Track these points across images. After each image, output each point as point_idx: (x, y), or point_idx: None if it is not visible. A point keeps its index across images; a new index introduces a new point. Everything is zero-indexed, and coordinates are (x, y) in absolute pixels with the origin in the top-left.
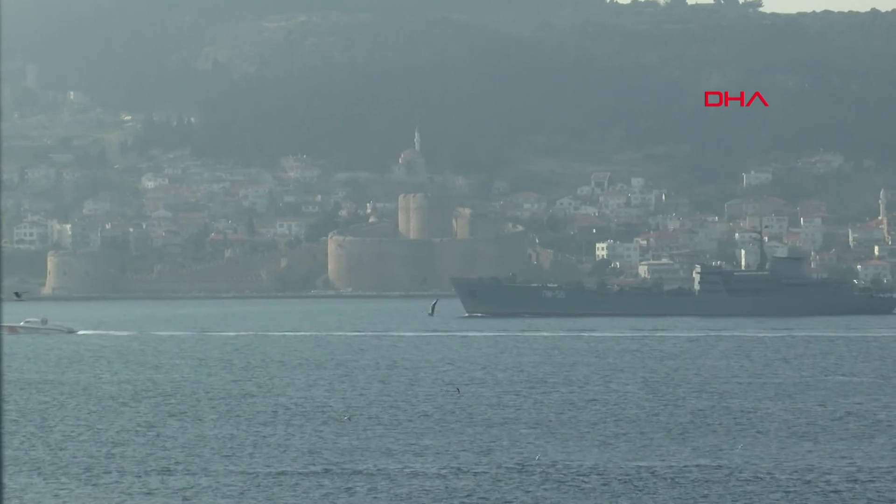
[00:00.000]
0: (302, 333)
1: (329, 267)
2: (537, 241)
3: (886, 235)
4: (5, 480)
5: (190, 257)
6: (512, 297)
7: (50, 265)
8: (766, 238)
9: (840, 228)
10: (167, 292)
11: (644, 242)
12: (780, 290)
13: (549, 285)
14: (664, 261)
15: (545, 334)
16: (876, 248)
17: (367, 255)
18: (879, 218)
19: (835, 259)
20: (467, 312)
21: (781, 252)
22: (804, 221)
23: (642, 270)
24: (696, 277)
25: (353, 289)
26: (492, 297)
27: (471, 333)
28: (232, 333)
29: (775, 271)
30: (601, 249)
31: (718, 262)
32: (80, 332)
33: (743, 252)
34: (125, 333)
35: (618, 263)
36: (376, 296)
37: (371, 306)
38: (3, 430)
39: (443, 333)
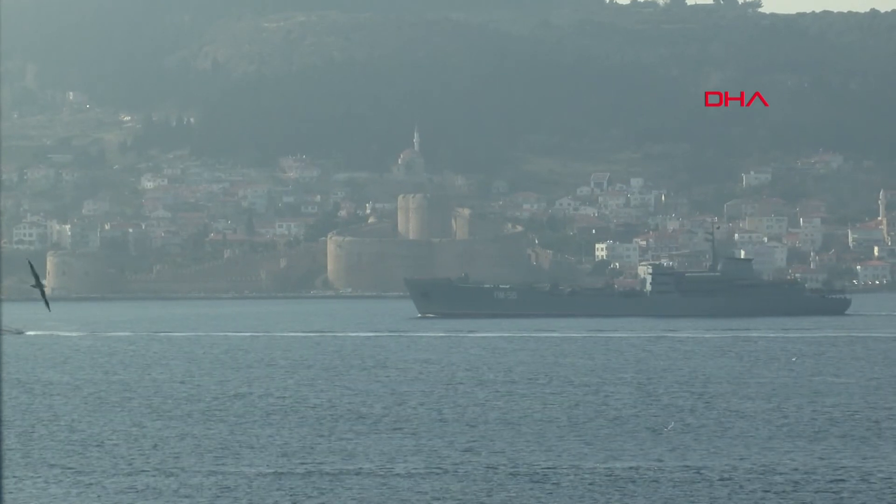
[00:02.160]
0: (250, 334)
1: (328, 267)
2: (537, 241)
3: (886, 236)
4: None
5: (189, 257)
6: (464, 298)
7: (49, 265)
8: (767, 239)
9: (839, 229)
10: (166, 292)
11: (643, 243)
12: (732, 291)
13: (501, 286)
14: (663, 261)
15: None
16: (875, 249)
17: (366, 255)
18: (879, 218)
19: (834, 259)
20: (420, 313)
21: (781, 253)
22: (803, 222)
23: (642, 271)
24: (648, 278)
25: (353, 289)
26: (444, 297)
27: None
28: (185, 334)
29: (727, 272)
30: (601, 250)
31: (670, 263)
32: (29, 333)
33: (742, 252)
34: (73, 334)
35: (617, 264)
36: (375, 296)
37: (367, 306)
38: (2, 430)
39: (393, 334)
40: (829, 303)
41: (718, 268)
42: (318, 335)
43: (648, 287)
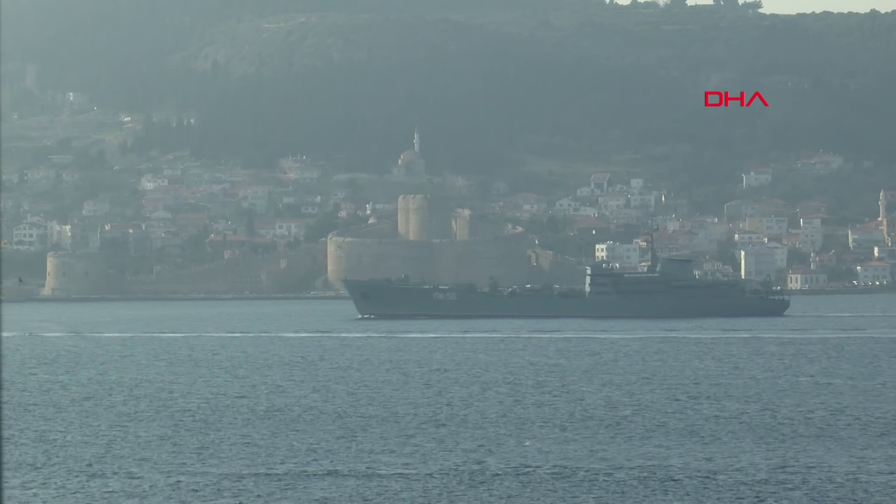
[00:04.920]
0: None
1: (328, 268)
2: (537, 242)
3: (886, 237)
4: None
5: (189, 258)
6: (403, 299)
7: (49, 266)
8: (767, 240)
9: (840, 230)
10: (166, 293)
11: (644, 244)
12: (670, 292)
13: (440, 287)
14: None
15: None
16: (875, 250)
17: (366, 256)
18: (879, 219)
19: (834, 260)
20: (360, 314)
21: (781, 254)
22: (803, 222)
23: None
24: (587, 279)
25: None
26: (383, 298)
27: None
28: (114, 335)
29: (665, 273)
30: (601, 251)
31: (611, 265)
32: None
33: (743, 253)
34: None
35: (617, 265)
36: None
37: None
38: (2, 429)
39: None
40: (768, 304)
41: (657, 269)
42: (229, 336)
43: (587, 288)
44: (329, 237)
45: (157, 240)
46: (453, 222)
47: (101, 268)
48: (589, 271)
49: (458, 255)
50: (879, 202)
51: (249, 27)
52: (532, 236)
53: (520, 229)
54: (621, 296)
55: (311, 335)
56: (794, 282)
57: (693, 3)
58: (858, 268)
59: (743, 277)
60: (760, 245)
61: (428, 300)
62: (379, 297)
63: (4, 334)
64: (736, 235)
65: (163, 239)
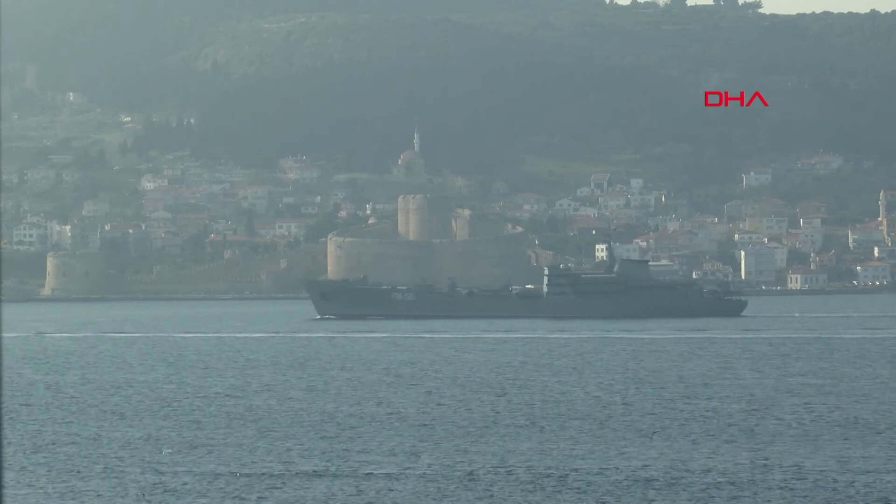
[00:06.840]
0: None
1: (328, 268)
2: (537, 242)
3: (886, 237)
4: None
5: (189, 258)
6: (362, 299)
7: (49, 266)
8: (767, 240)
9: (840, 230)
10: (166, 293)
11: (644, 244)
12: (628, 293)
13: (398, 287)
14: (664, 262)
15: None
16: (876, 250)
17: (366, 256)
18: (879, 219)
19: (834, 260)
20: (319, 315)
21: (781, 254)
22: (804, 222)
23: None
24: (545, 279)
25: None
26: (342, 299)
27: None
28: (67, 335)
29: (623, 273)
30: (601, 251)
31: (569, 265)
32: None
33: (743, 254)
34: None
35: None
36: None
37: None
38: (2, 430)
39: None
40: (726, 304)
41: (615, 269)
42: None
43: (545, 288)
44: (329, 237)
45: (157, 240)
46: (453, 222)
47: (101, 268)
48: (546, 272)
49: (458, 255)
50: (879, 202)
51: (249, 27)
52: (532, 236)
53: (520, 229)
54: (579, 296)
55: (256, 336)
56: (794, 282)
57: (693, 3)
58: (858, 268)
59: (743, 277)
60: (760, 245)
61: (386, 300)
62: (337, 298)
63: None
64: (736, 235)
65: (163, 239)
